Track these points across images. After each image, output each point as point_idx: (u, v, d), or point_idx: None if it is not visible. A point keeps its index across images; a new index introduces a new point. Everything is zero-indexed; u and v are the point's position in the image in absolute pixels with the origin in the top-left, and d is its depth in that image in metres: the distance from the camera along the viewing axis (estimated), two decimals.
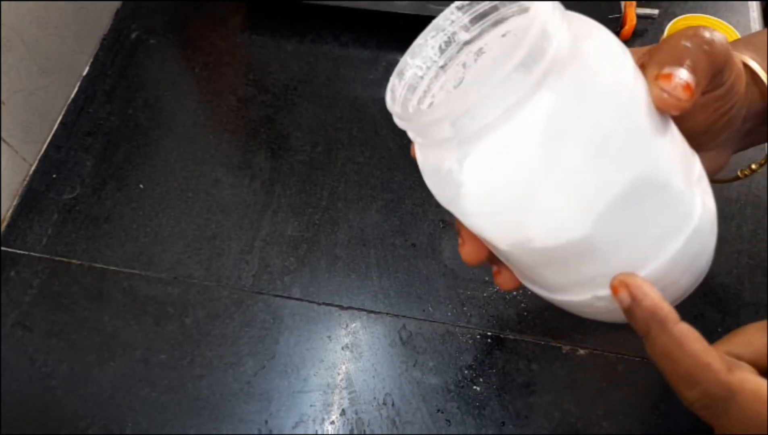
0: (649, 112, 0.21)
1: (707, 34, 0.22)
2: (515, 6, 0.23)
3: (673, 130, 0.23)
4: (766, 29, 0.30)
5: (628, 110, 0.20)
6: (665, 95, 0.21)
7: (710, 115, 0.25)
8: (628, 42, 0.52)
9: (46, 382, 0.39)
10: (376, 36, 0.54)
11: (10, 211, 0.46)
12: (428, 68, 0.25)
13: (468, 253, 0.26)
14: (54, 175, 0.48)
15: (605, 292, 0.22)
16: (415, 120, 0.21)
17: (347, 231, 0.45)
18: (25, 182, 0.48)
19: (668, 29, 0.50)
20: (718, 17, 0.51)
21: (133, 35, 0.55)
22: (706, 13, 0.51)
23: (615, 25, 0.49)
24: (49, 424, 0.38)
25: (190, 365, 0.40)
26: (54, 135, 0.50)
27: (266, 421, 0.38)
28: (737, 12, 0.54)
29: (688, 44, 0.22)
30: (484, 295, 0.42)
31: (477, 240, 0.25)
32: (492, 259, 0.27)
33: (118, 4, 0.57)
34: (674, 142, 0.22)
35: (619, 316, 0.23)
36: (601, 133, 0.19)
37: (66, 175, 0.48)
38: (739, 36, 0.50)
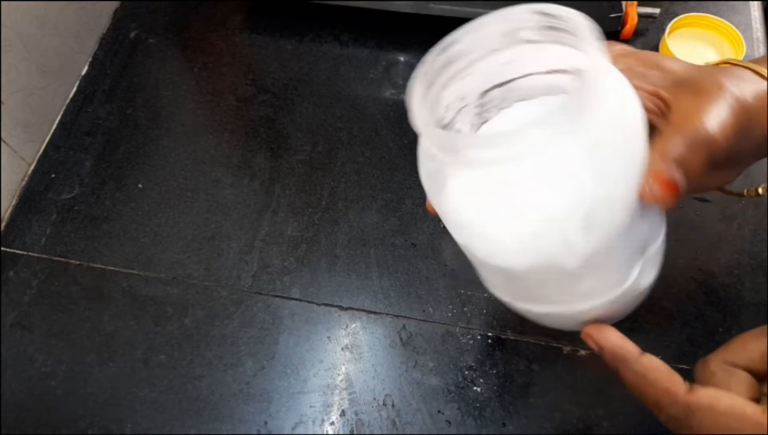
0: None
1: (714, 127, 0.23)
2: (549, 35, 0.23)
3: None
4: None
5: (631, 180, 0.21)
6: (654, 194, 0.22)
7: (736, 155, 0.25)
8: (630, 41, 0.52)
9: (45, 382, 0.39)
10: (376, 35, 0.54)
11: (9, 211, 0.46)
12: (481, 50, 0.24)
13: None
14: (53, 175, 0.48)
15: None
16: (462, 147, 0.21)
17: (347, 231, 0.44)
18: (24, 182, 0.48)
19: (669, 28, 0.50)
20: (720, 17, 0.51)
21: (132, 35, 0.55)
22: (707, 13, 0.51)
23: (616, 24, 0.49)
24: (48, 424, 0.38)
25: (190, 365, 0.40)
26: (53, 135, 0.50)
27: (266, 422, 0.38)
28: (738, 11, 0.53)
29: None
30: (485, 295, 0.41)
31: None
32: None
33: (117, 3, 0.56)
34: (652, 218, 0.24)
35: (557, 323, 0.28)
36: (603, 198, 0.21)
37: (65, 175, 0.48)
38: (740, 36, 0.50)
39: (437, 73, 0.23)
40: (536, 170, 0.20)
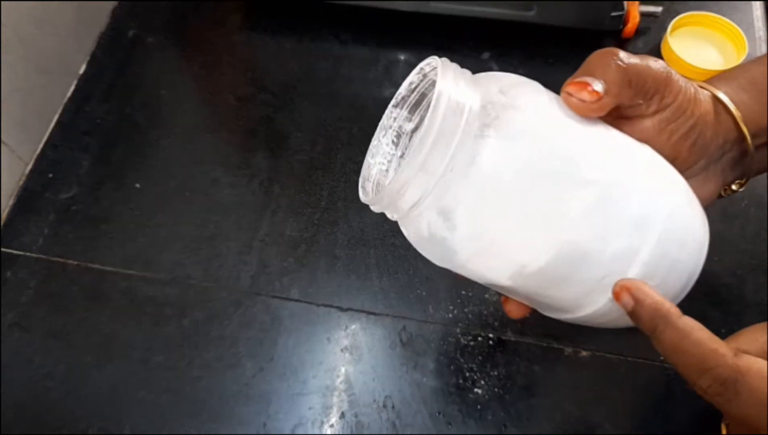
0: (576, 125, 0.24)
1: (621, 53, 0.25)
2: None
3: (610, 131, 0.25)
4: (744, 64, 0.30)
5: (552, 138, 0.23)
6: (572, 98, 0.24)
7: (669, 137, 0.26)
8: (631, 40, 0.52)
9: (43, 384, 0.39)
10: (375, 34, 0.54)
11: (7, 211, 0.46)
12: (389, 161, 0.28)
13: (512, 309, 0.29)
14: (51, 175, 0.48)
15: None
16: (385, 194, 0.23)
17: (347, 231, 0.44)
18: (22, 182, 0.47)
19: (671, 27, 0.50)
20: (722, 15, 0.51)
21: (131, 34, 0.55)
22: (709, 12, 0.51)
23: (617, 22, 0.49)
24: (47, 425, 0.38)
25: (189, 367, 0.39)
26: (51, 134, 0.49)
27: (264, 424, 0.38)
28: (740, 10, 0.53)
29: (598, 60, 0.25)
30: (486, 296, 0.41)
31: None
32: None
33: (115, 2, 0.56)
34: (612, 138, 0.25)
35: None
36: (532, 162, 0.22)
37: (63, 175, 0.48)
38: (742, 35, 0.49)
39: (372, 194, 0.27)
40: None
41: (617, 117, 0.26)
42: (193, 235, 0.44)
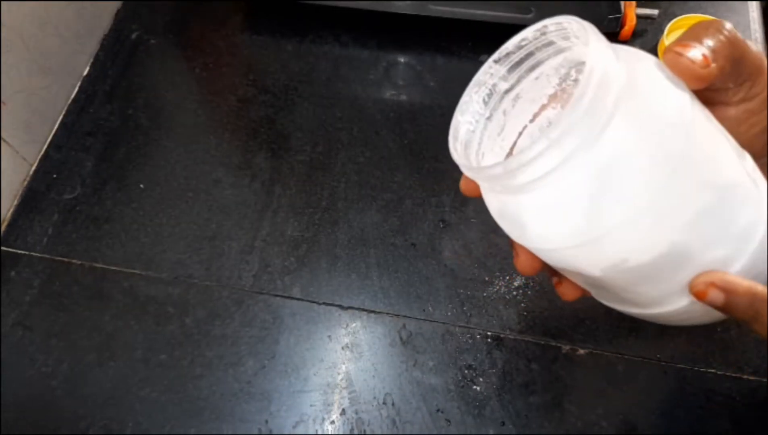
0: (706, 122, 0.22)
1: (728, 25, 0.23)
2: (550, 49, 0.24)
3: (725, 132, 0.24)
4: None
5: (690, 130, 0.21)
6: (682, 58, 0.22)
7: (748, 130, 0.25)
8: (628, 42, 0.52)
9: (46, 382, 0.40)
10: (376, 36, 0.54)
11: (11, 211, 0.46)
12: (477, 122, 0.26)
13: (523, 264, 0.26)
14: (54, 175, 0.48)
15: None
16: (484, 173, 0.21)
17: (347, 231, 0.45)
18: (26, 182, 0.48)
19: (668, 29, 0.50)
20: (718, 17, 0.51)
21: (134, 35, 0.55)
22: (705, 13, 0.52)
23: (615, 25, 0.49)
24: (49, 424, 0.38)
25: (191, 365, 0.40)
26: (54, 135, 0.50)
27: (266, 421, 0.38)
28: (737, 12, 0.54)
29: (703, 29, 0.23)
30: (484, 294, 0.42)
31: (529, 252, 0.26)
32: (551, 270, 0.27)
33: (118, 4, 0.57)
34: (728, 141, 0.24)
35: (711, 316, 0.24)
36: (671, 156, 0.20)
37: (66, 175, 0.48)
38: None
39: (463, 155, 0.25)
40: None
41: (702, 101, 0.24)
42: (195, 235, 0.45)
